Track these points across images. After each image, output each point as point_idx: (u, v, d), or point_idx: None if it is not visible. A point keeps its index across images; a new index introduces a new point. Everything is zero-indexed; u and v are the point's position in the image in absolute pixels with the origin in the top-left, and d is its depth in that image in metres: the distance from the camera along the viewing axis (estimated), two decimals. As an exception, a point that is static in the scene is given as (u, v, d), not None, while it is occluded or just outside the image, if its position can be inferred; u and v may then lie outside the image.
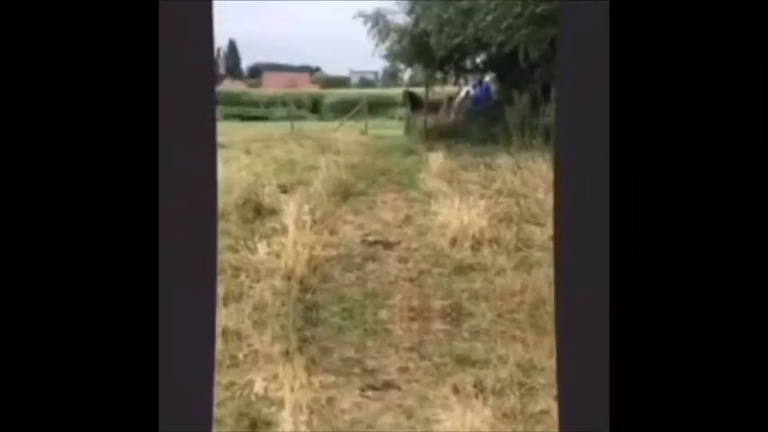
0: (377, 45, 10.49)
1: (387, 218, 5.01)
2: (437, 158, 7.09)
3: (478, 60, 11.27)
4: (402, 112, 20.10)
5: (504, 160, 6.38)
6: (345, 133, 16.51)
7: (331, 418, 3.14)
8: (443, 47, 8.63)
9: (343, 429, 2.99)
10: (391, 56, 10.69)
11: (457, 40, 8.50)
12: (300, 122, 24.17)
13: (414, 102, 14.33)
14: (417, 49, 9.83)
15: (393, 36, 10.32)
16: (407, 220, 5.00)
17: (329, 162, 7.55)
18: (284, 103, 29.49)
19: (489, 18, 5.81)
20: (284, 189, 5.95)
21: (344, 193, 5.89)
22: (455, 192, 5.58)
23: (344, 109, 27.59)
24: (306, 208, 4.57)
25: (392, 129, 16.30)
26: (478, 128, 10.80)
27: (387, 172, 8.37)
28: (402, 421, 3.09)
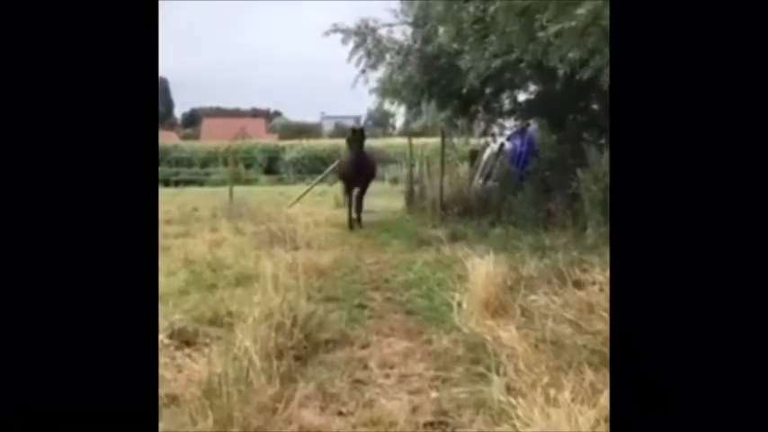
0: (363, 71, 8.87)
1: (394, 413, 3.04)
2: (478, 262, 5.20)
3: (522, 98, 9.75)
4: (401, 172, 18.17)
5: (604, 273, 4.51)
6: (312, 205, 14.43)
7: None
8: (478, 73, 7.04)
9: None
10: (387, 90, 9.05)
11: (497, 63, 6.92)
12: (249, 188, 22.60)
13: (355, 142, 10.20)
14: (430, 78, 8.26)
15: (390, 59, 8.76)
16: (440, 420, 3.02)
17: (279, 267, 5.66)
18: (227, 161, 28.26)
19: (582, 13, 4.14)
20: (186, 338, 3.96)
21: (303, 347, 3.92)
22: (532, 346, 3.63)
23: (313, 168, 26.21)
24: (211, 413, 2.60)
25: (384, 197, 14.22)
26: (527, 201, 9.12)
27: (383, 284, 6.05)
28: None
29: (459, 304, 4.61)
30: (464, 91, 7.61)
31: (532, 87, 9.03)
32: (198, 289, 5.42)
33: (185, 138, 47.26)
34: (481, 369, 3.41)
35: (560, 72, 6.44)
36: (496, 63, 6.97)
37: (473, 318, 4.30)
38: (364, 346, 4.07)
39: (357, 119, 49.30)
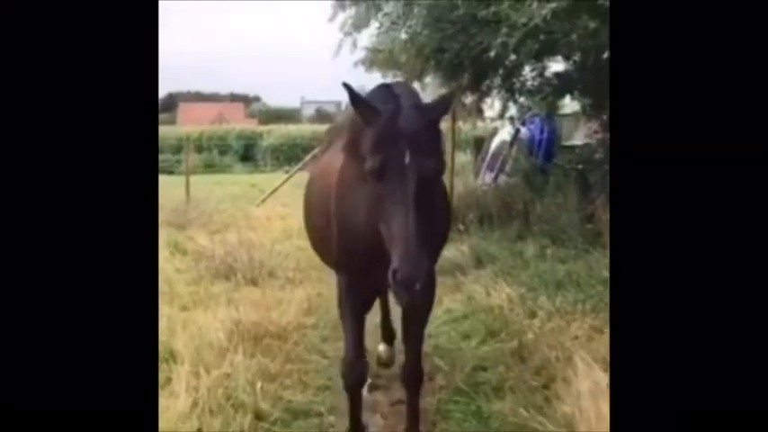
0: (349, 33, 6.29)
1: None
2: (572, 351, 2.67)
3: (553, 69, 7.22)
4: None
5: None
6: (287, 201, 11.31)
7: None
8: (514, 27, 4.57)
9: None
10: (381, 57, 6.51)
11: (547, 9, 4.47)
12: (220, 177, 19.84)
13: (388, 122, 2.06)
14: (442, 36, 5.72)
15: (387, 12, 6.20)
16: None
17: (213, 334, 3.20)
18: (201, 148, 25.32)
19: None
20: None
21: None
22: None
23: (292, 155, 23.37)
24: None
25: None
26: (566, 205, 6.67)
27: (385, 371, 3.26)
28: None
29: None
30: (491, 54, 5.07)
31: (578, 55, 6.49)
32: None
33: (162, 123, 44.09)
34: None
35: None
36: (546, 9, 4.50)
37: None
38: None
39: (338, 104, 46.34)
